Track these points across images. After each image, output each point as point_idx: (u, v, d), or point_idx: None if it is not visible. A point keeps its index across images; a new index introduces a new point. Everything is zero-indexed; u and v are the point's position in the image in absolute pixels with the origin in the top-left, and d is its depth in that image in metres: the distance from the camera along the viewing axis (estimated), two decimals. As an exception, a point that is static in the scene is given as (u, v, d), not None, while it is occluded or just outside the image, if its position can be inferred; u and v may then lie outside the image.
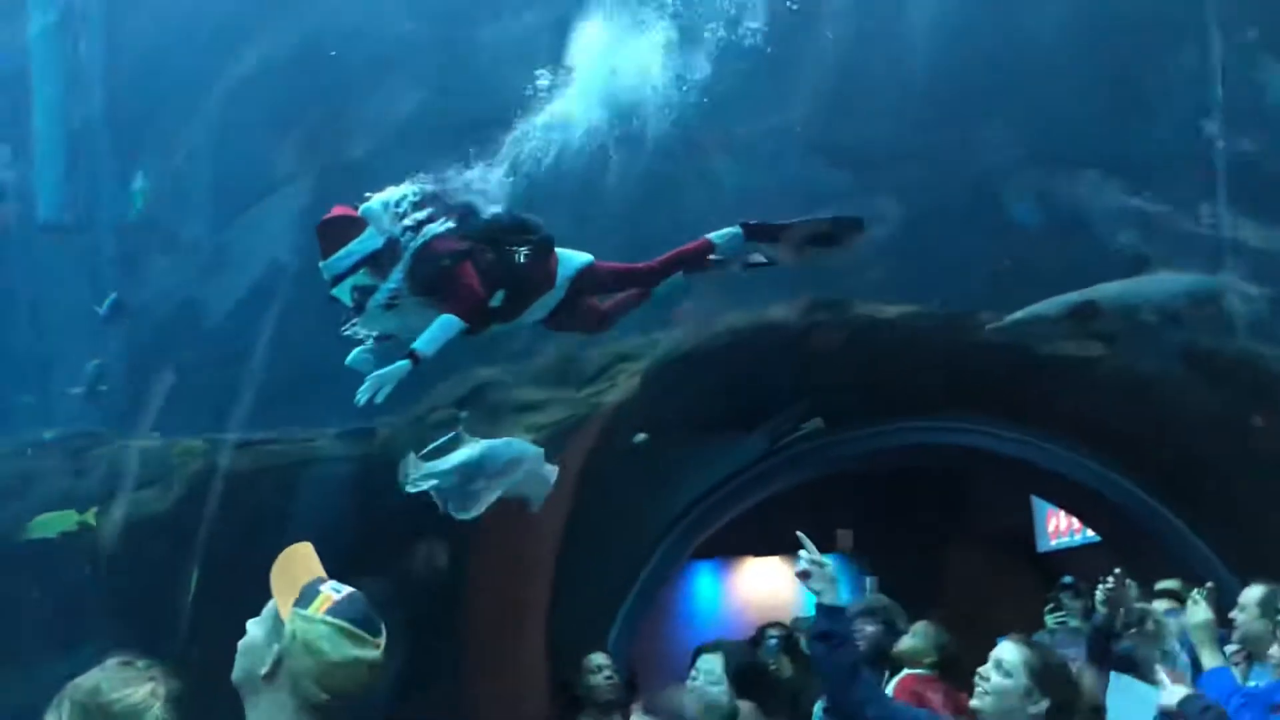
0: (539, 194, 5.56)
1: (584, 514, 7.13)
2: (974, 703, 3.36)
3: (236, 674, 2.40)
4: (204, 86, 6.37)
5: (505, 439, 5.51)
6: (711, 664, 4.31)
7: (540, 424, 6.87)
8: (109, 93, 6.90)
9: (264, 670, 2.33)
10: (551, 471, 5.32)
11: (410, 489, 5.20)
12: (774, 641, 5.45)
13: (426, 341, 5.13)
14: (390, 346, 5.31)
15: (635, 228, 6.52)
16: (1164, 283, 7.14)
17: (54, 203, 6.92)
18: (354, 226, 5.12)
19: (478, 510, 5.25)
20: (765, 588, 10.79)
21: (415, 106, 6.87)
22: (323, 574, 2.48)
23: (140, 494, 6.06)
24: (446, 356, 6.86)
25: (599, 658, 5.47)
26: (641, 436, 7.11)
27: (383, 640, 2.40)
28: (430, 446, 5.23)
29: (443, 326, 5.14)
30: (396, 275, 5.11)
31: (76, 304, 5.49)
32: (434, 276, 5.15)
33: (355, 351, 5.28)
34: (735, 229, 5.67)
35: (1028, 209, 7.24)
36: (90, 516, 6.25)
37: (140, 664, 2.70)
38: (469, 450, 5.25)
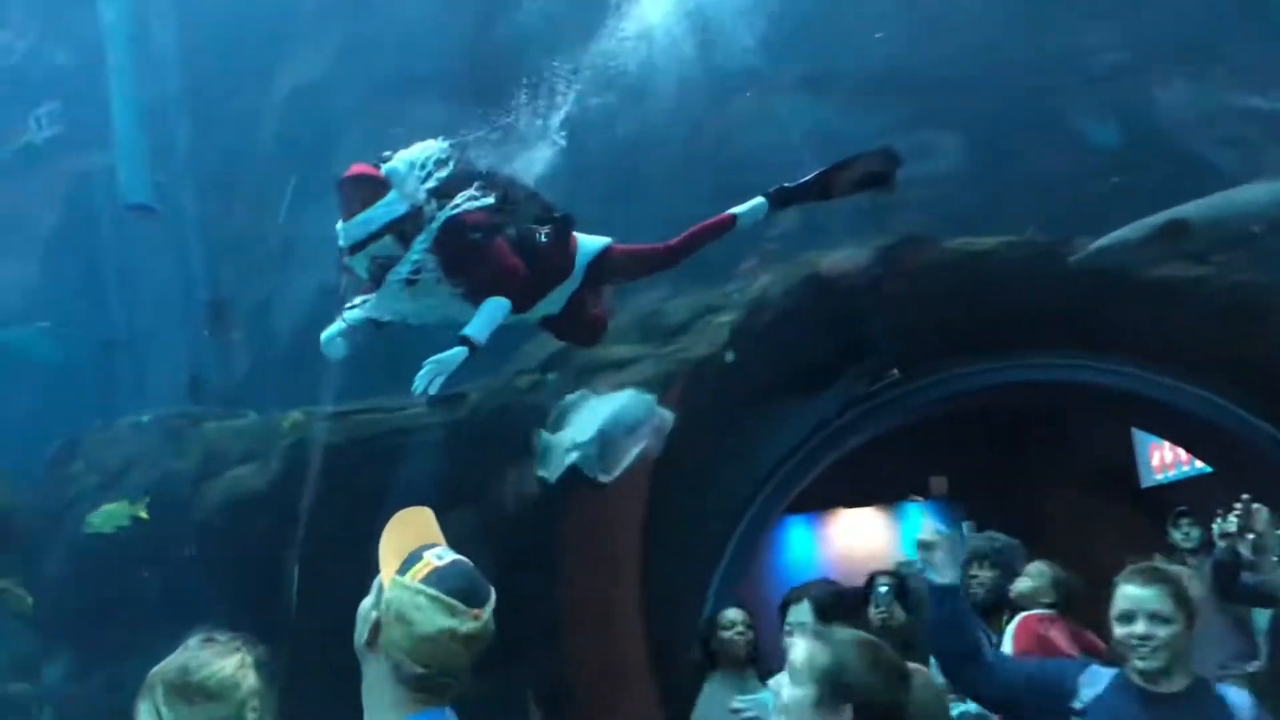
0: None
1: (675, 470, 7.04)
2: (1148, 664, 3.15)
3: (355, 640, 2.33)
4: (275, 65, 6.31)
5: (626, 392, 5.32)
6: (800, 614, 4.13)
7: (628, 382, 6.76)
8: (184, 72, 6.90)
9: (364, 639, 2.26)
10: (668, 417, 5.14)
11: (555, 473, 5.05)
12: (884, 589, 5.29)
13: (479, 328, 4.76)
14: (368, 332, 4.94)
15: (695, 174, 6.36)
16: (1266, 192, 6.75)
17: (136, 184, 6.96)
18: (376, 188, 4.62)
19: (619, 471, 5.13)
20: (859, 539, 10.62)
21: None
22: (438, 540, 2.36)
23: (239, 470, 6.10)
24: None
25: (733, 613, 5.31)
26: (730, 356, 6.88)
27: (484, 612, 2.26)
28: (556, 413, 5.05)
29: (492, 310, 4.77)
30: (420, 246, 4.65)
31: (168, 284, 5.49)
32: (464, 252, 4.70)
33: (329, 331, 4.86)
34: (760, 200, 5.21)
35: (1116, 128, 6.93)
36: (141, 509, 6.25)
37: (223, 637, 2.66)
38: (598, 412, 5.07)
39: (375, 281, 4.70)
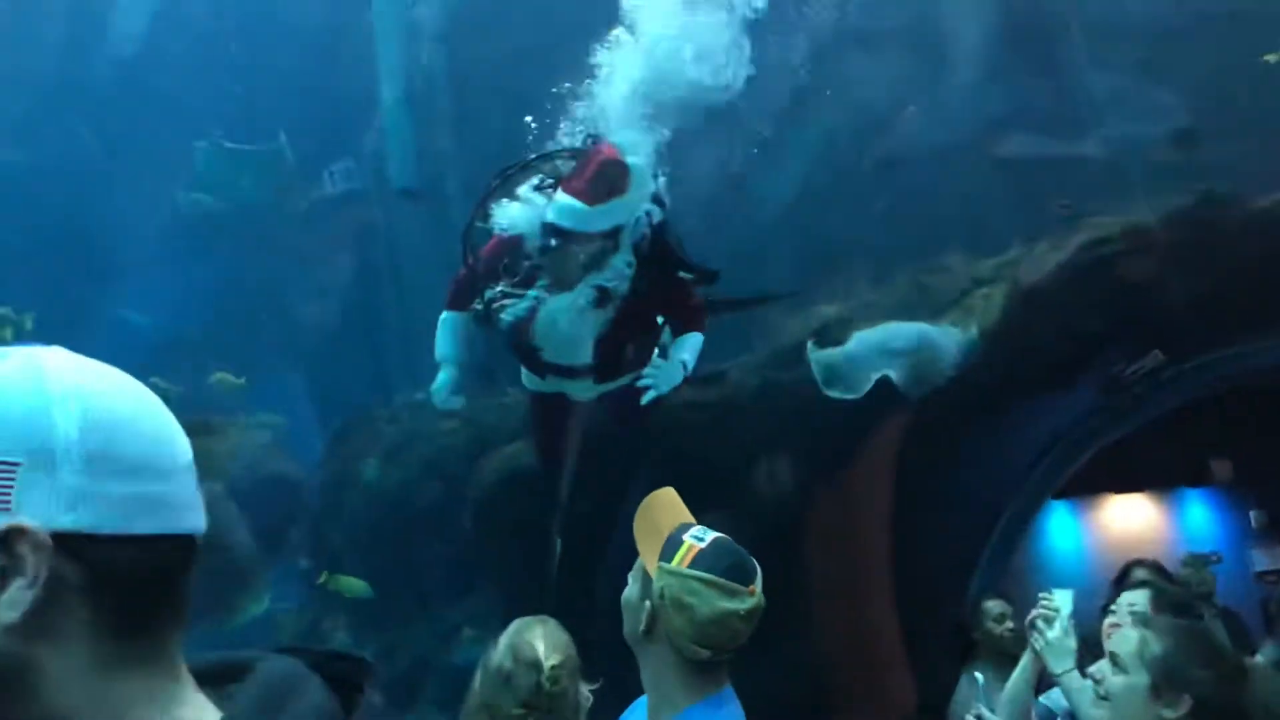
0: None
1: (934, 453, 6.74)
2: None
3: (626, 629, 2.33)
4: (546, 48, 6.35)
5: (914, 325, 5.14)
6: (1138, 600, 3.81)
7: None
8: (448, 57, 7.10)
9: (641, 628, 2.24)
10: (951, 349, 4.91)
11: (859, 387, 4.89)
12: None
13: (691, 358, 4.81)
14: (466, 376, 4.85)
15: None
16: None
17: (405, 169, 7.25)
18: (623, 180, 4.32)
19: (862, 390, 4.98)
20: (1128, 527, 9.90)
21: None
22: (688, 519, 2.34)
23: (510, 448, 6.25)
24: (793, 291, 6.67)
25: (999, 605, 5.06)
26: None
27: (757, 585, 2.24)
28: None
29: (698, 345, 4.80)
30: (625, 260, 4.43)
31: (440, 267, 5.66)
32: (668, 278, 4.57)
33: (439, 384, 4.80)
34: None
35: None
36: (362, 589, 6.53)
37: (546, 619, 2.69)
38: (895, 331, 4.95)
39: (525, 283, 4.48)
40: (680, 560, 2.21)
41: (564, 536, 6.21)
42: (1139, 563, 5.18)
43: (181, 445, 1.03)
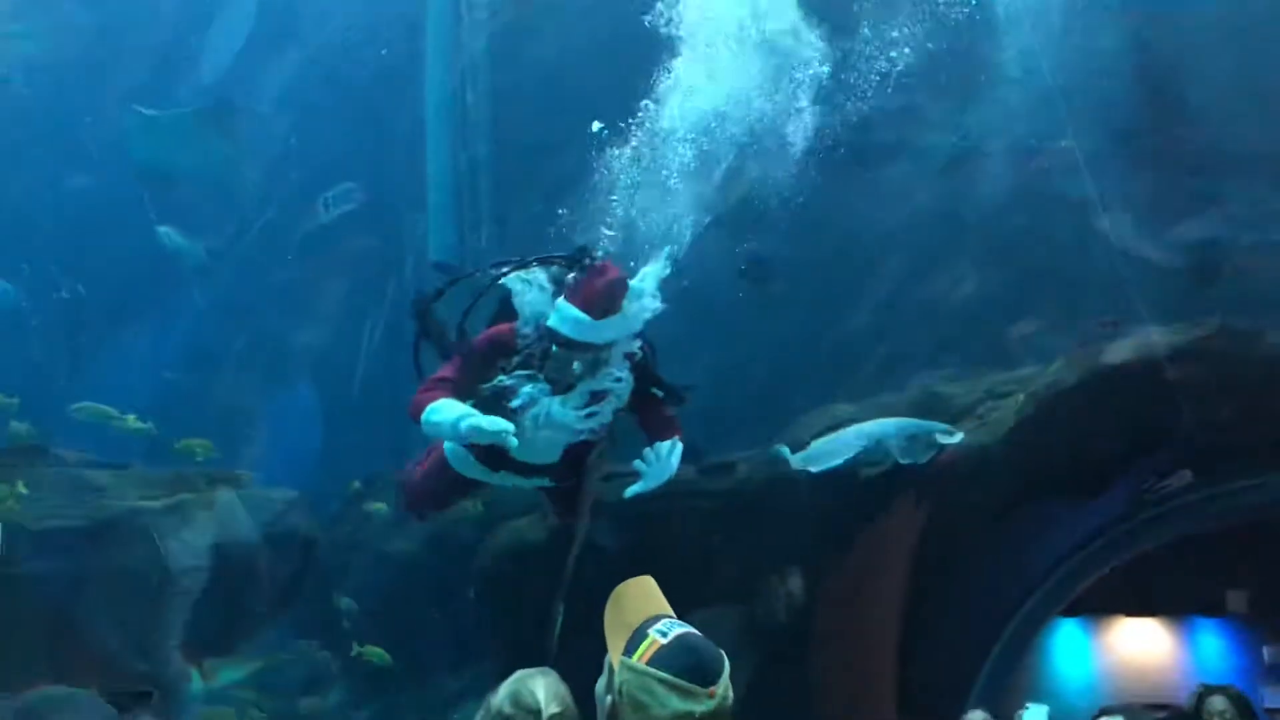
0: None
1: (943, 563, 6.76)
2: None
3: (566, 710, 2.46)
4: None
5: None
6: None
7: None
8: (494, 141, 7.38)
9: None
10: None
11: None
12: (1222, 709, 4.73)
13: (676, 465, 4.77)
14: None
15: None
16: None
17: (444, 244, 7.49)
18: (622, 298, 4.48)
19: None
20: (1140, 652, 9.74)
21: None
22: (664, 610, 2.25)
23: (519, 522, 6.35)
24: (808, 392, 6.79)
25: (979, 715, 5.07)
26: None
27: (718, 687, 2.12)
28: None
29: (679, 453, 4.75)
30: (620, 374, 4.56)
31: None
32: (648, 394, 4.71)
33: (487, 421, 4.45)
34: None
35: None
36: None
37: (548, 670, 2.75)
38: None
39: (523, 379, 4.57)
40: (641, 655, 2.12)
41: (567, 605, 6.27)
42: (1217, 690, 5.00)
43: None
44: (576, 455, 4.83)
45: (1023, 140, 6.74)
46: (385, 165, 8.05)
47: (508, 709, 2.49)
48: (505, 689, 2.59)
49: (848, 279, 7.01)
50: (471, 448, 4.82)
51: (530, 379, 4.63)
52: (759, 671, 5.83)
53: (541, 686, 2.59)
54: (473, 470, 5.07)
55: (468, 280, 5.02)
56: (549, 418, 4.62)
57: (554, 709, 2.47)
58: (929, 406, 6.66)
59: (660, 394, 4.90)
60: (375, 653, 6.47)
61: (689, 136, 4.81)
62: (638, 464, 4.77)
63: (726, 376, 6.96)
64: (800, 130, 5.39)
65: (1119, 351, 6.61)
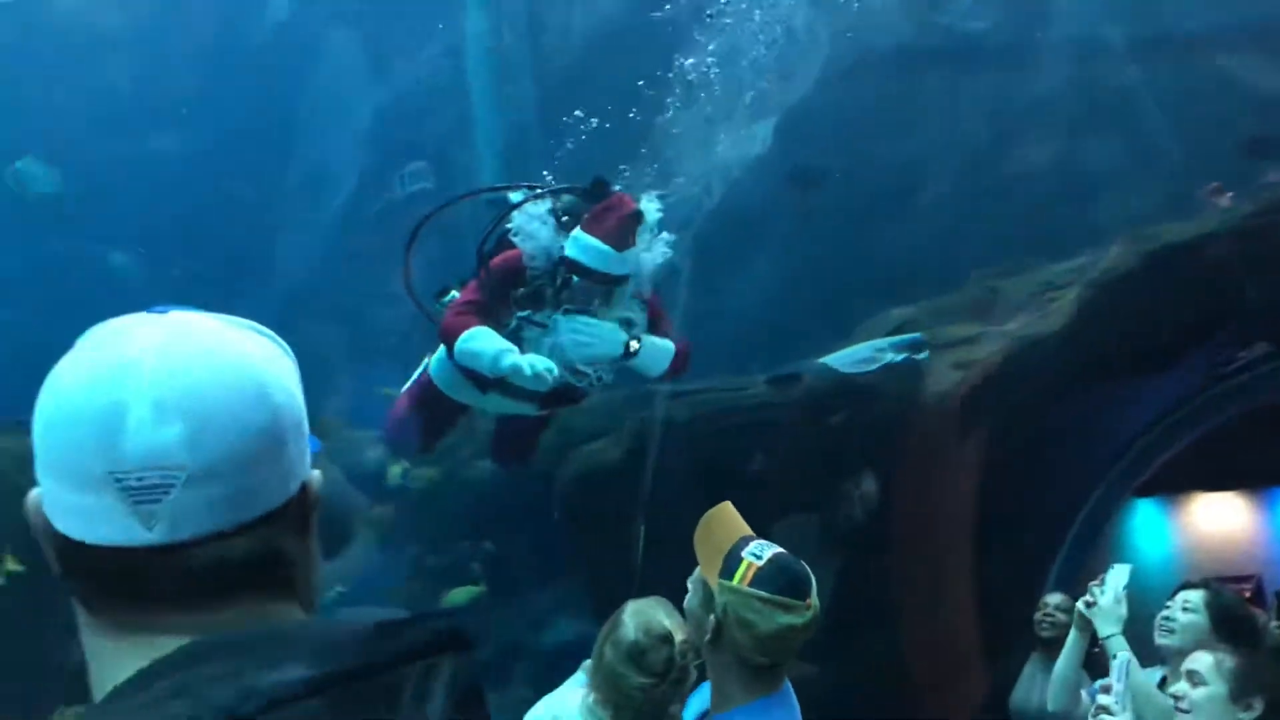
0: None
1: (1014, 450, 6.84)
2: None
3: (697, 639, 2.56)
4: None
5: None
6: (1194, 597, 3.91)
7: (967, 360, 6.64)
8: (538, 89, 7.43)
9: (706, 638, 2.45)
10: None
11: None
12: None
13: (656, 359, 4.95)
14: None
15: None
16: None
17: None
18: (638, 231, 4.65)
19: None
20: (1219, 525, 9.74)
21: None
22: (746, 532, 2.51)
23: (593, 445, 6.56)
24: (867, 299, 6.86)
25: (1059, 598, 5.22)
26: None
27: (813, 598, 2.41)
28: None
29: (668, 354, 4.92)
30: (626, 310, 4.74)
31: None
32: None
33: (526, 359, 4.56)
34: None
35: None
36: None
37: (662, 600, 2.89)
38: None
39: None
40: (741, 579, 2.38)
41: (647, 526, 6.51)
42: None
43: (119, 460, 0.95)
44: (564, 390, 4.91)
45: (1072, 31, 6.62)
46: (431, 114, 8.14)
47: (643, 639, 2.62)
48: (631, 621, 2.72)
49: (898, 184, 7.01)
50: (464, 370, 4.87)
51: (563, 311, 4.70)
52: (839, 578, 6.02)
53: (664, 615, 2.74)
54: (461, 392, 5.13)
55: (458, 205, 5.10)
56: (584, 337, 4.69)
57: (681, 635, 2.62)
58: (988, 303, 6.70)
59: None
60: (469, 592, 6.71)
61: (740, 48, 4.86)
62: (640, 352, 4.81)
63: (785, 289, 7.07)
64: (847, 35, 5.40)
65: (1180, 230, 6.56)
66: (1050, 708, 4.18)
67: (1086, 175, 6.36)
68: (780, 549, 2.46)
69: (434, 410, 5.42)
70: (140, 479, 0.94)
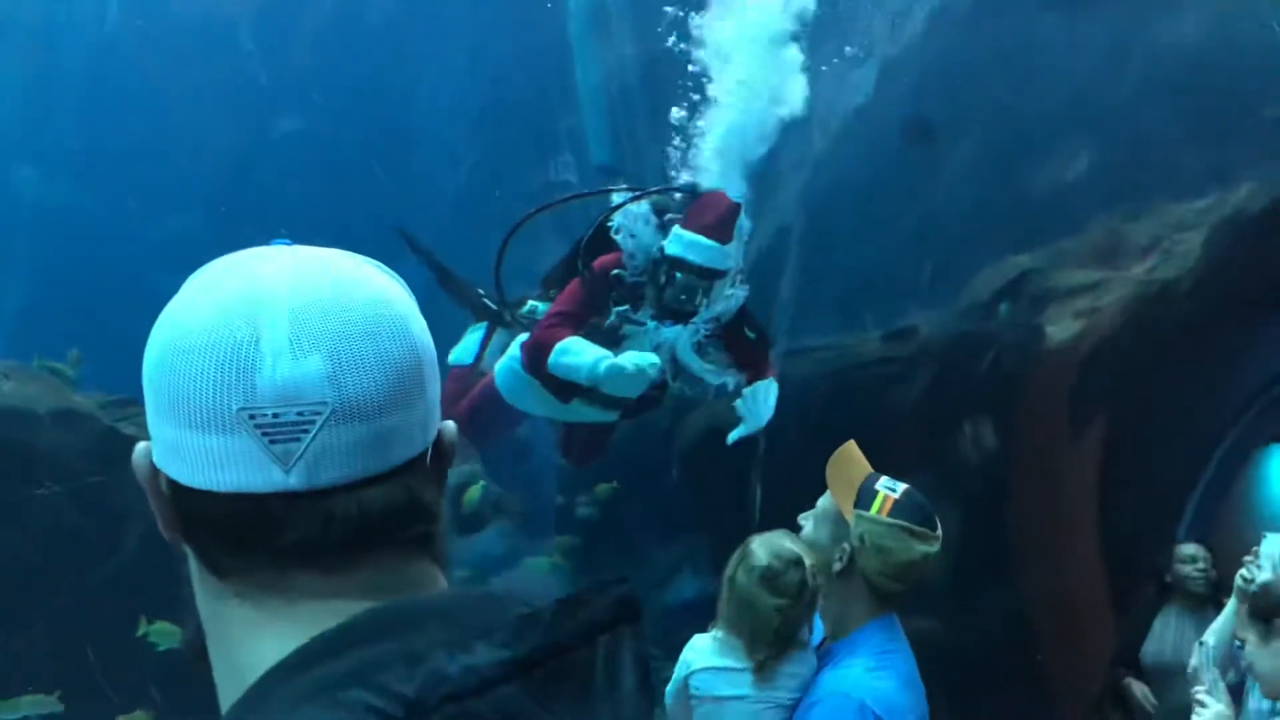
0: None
1: (1141, 399, 6.68)
2: None
3: (825, 568, 2.65)
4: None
5: None
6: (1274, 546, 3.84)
7: (1089, 308, 6.50)
8: (637, 41, 7.45)
9: (838, 568, 2.60)
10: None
11: None
12: None
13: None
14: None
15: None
16: None
17: (603, 145, 7.70)
18: (736, 226, 4.65)
19: None
20: (1362, 472, 9.33)
21: None
22: (870, 470, 2.67)
23: (713, 404, 6.63)
24: (984, 249, 6.74)
25: (1192, 548, 5.14)
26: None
27: (940, 533, 2.58)
28: None
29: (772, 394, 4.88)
30: (721, 309, 4.70)
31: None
32: (736, 339, 4.88)
33: (626, 359, 4.53)
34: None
35: None
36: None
37: (785, 530, 2.97)
38: None
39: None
40: (878, 509, 2.55)
41: (764, 484, 6.58)
42: None
43: (253, 396, 0.87)
44: (647, 393, 4.91)
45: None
46: (535, 75, 8.24)
47: (775, 563, 2.72)
48: (761, 549, 2.81)
49: (1014, 131, 6.85)
50: (549, 381, 4.79)
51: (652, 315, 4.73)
52: (961, 531, 5.99)
53: (793, 543, 2.87)
54: (533, 403, 5.05)
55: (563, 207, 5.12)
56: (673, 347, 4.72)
57: (810, 560, 2.75)
58: (1110, 247, 6.52)
59: (752, 336, 4.97)
60: (539, 564, 6.84)
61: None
62: (737, 405, 4.85)
63: (899, 242, 6.99)
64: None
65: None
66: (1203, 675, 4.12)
67: (1212, 113, 6.10)
68: (909, 485, 2.63)
69: (493, 419, 5.34)
70: (277, 415, 0.86)
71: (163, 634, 5.40)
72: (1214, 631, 4.03)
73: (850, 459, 2.69)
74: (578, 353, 4.53)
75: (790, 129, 5.04)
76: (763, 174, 5.26)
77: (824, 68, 5.82)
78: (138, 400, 1.13)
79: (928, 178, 7.02)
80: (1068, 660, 6.56)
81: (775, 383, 4.98)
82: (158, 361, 0.90)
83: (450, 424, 0.99)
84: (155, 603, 5.20)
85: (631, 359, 4.45)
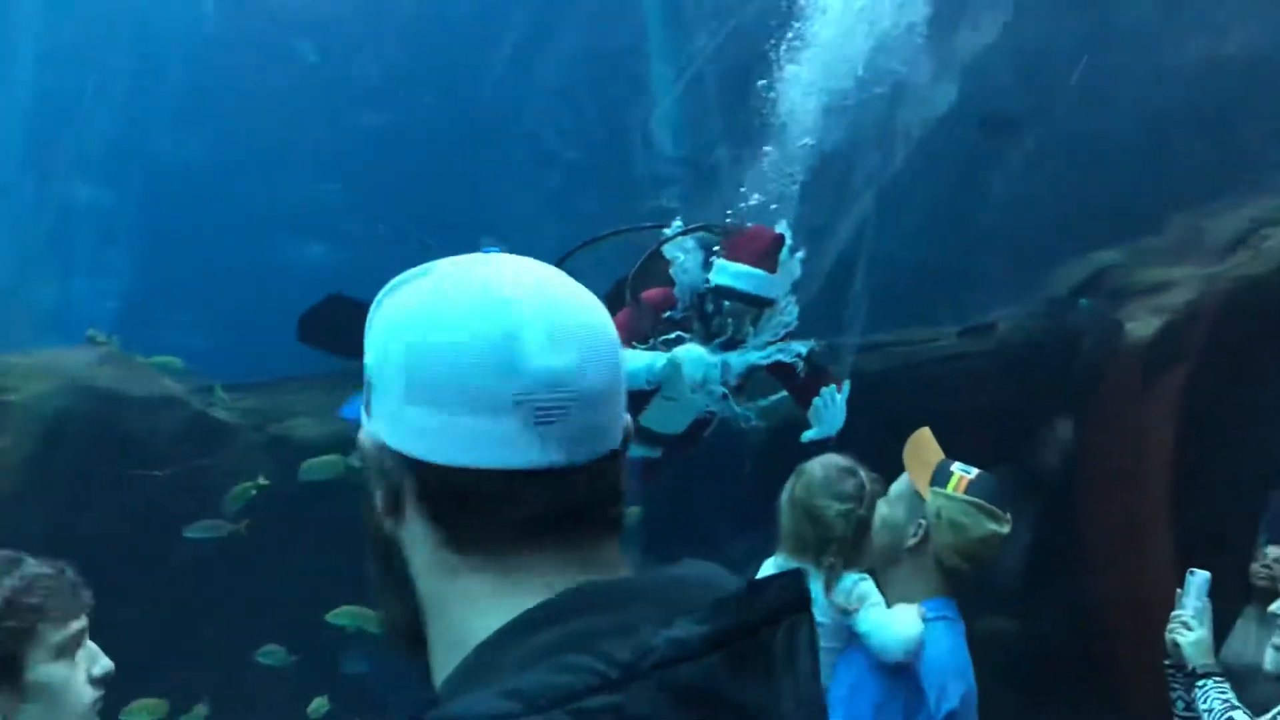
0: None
1: (1224, 395, 6.58)
2: None
3: (882, 543, 2.83)
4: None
5: None
6: None
7: (1171, 305, 6.41)
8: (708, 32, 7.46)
9: (911, 543, 2.73)
10: None
11: None
12: None
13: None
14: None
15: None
16: None
17: (675, 137, 7.73)
18: (779, 253, 4.56)
19: None
20: None
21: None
22: (943, 454, 2.80)
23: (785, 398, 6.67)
24: (1064, 244, 6.68)
25: (1276, 550, 5.04)
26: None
27: (1009, 516, 2.71)
28: None
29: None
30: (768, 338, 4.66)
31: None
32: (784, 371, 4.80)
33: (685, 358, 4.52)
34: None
35: None
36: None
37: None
38: None
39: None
40: (954, 487, 2.70)
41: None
42: None
43: (523, 383, 0.97)
44: (692, 428, 4.97)
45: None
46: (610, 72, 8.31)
47: (832, 473, 2.88)
48: (813, 465, 2.97)
49: (1094, 126, 6.78)
50: None
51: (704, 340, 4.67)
52: (1036, 527, 5.97)
53: (844, 458, 3.02)
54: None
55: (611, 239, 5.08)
56: (726, 370, 4.66)
57: (862, 469, 2.94)
58: (1194, 243, 6.42)
59: (801, 368, 4.91)
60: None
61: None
62: (813, 410, 4.84)
63: (978, 236, 6.96)
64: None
65: None
66: None
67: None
68: (985, 471, 2.78)
69: None
70: (541, 400, 0.97)
71: (353, 617, 5.42)
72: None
73: (925, 443, 2.83)
74: (632, 359, 4.52)
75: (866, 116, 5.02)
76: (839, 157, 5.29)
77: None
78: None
79: (1006, 173, 6.97)
80: (1142, 661, 6.51)
81: (848, 385, 4.97)
82: (417, 354, 1.00)
83: (628, 417, 1.09)
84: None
85: (690, 353, 4.50)
